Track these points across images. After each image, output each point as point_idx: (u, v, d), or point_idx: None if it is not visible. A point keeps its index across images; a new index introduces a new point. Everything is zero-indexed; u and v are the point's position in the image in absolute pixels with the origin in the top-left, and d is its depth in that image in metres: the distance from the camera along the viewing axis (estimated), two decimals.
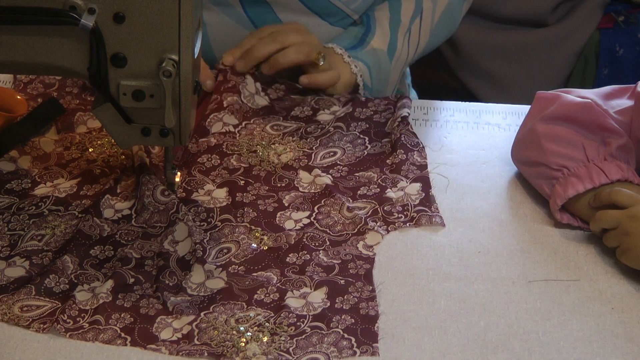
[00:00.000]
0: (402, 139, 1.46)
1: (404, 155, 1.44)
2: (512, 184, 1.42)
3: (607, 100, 1.38)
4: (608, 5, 2.58)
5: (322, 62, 1.56)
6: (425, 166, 1.43)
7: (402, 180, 1.41)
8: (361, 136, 1.49)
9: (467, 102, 1.60)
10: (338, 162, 1.44)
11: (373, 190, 1.39)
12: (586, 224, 1.34)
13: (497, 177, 1.44)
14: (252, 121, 1.51)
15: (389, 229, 1.34)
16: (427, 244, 1.32)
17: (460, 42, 2.60)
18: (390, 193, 1.39)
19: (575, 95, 1.38)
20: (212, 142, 1.46)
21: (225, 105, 1.51)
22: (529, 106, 1.58)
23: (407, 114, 1.51)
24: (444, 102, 1.59)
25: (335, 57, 1.60)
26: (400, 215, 1.35)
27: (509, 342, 1.19)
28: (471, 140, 1.51)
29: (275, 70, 1.56)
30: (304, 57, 1.55)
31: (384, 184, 1.40)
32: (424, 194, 1.39)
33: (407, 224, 1.34)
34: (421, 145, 1.47)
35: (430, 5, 1.68)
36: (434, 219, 1.35)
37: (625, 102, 1.38)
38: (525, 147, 1.39)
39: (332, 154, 1.46)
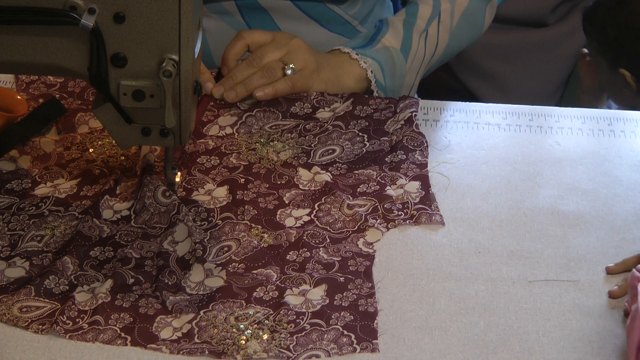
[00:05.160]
0: (404, 141, 1.46)
1: (404, 156, 1.44)
2: (512, 184, 1.42)
3: None
4: None
5: (289, 72, 1.52)
6: (425, 165, 1.43)
7: (400, 178, 1.41)
8: (360, 134, 1.49)
9: (467, 102, 1.59)
10: (337, 160, 1.44)
11: (372, 188, 1.39)
12: None
13: (497, 177, 1.44)
14: (254, 112, 1.50)
15: (389, 226, 1.34)
16: (427, 243, 1.32)
17: None
18: (390, 191, 1.38)
19: None
20: (209, 145, 1.46)
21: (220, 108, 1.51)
22: (529, 106, 1.58)
23: (411, 114, 1.51)
24: (444, 102, 1.59)
25: (340, 57, 1.57)
26: (400, 212, 1.35)
27: (509, 342, 1.19)
28: (471, 140, 1.51)
29: (242, 98, 1.52)
30: (267, 80, 1.51)
31: (383, 182, 1.40)
32: (423, 192, 1.39)
33: (407, 222, 1.34)
34: (425, 145, 1.47)
35: (449, 7, 1.64)
36: (433, 217, 1.35)
37: None
38: None
39: (330, 151, 1.46)
